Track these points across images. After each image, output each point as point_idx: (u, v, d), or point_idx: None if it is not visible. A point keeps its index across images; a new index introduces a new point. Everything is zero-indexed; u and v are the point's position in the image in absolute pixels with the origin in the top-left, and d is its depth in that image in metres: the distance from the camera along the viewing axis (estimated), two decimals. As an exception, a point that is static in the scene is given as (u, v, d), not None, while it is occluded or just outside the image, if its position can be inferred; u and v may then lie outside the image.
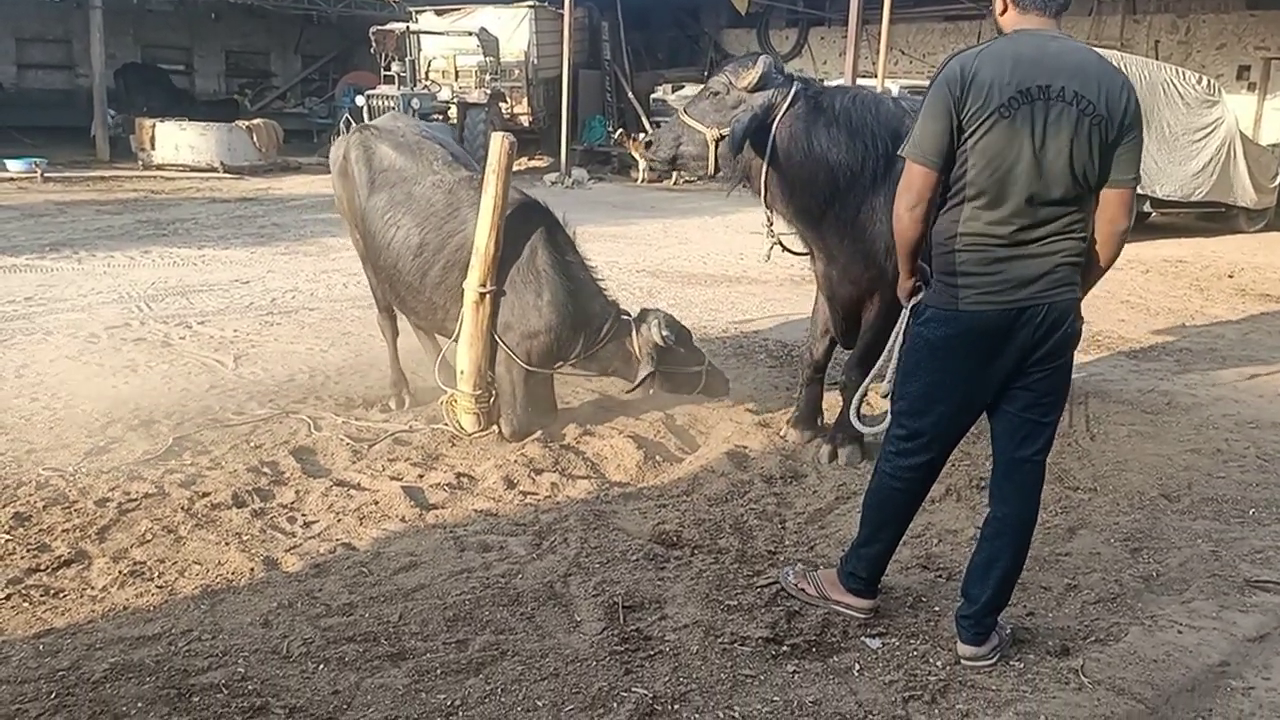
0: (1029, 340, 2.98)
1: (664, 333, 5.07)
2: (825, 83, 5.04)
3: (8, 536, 3.85)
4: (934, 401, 3.13)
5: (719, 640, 3.26)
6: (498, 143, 4.83)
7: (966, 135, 2.91)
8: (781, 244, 4.89)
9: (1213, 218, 14.78)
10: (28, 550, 3.76)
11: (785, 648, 3.24)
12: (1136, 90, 3.02)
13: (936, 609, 3.50)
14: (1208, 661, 3.24)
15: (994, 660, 3.18)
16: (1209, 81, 14.03)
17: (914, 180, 3.00)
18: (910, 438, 3.21)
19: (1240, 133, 14.40)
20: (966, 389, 3.09)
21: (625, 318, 5.21)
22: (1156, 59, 16.93)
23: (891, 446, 3.27)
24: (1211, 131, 13.64)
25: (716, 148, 4.62)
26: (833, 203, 4.52)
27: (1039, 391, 3.06)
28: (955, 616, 3.24)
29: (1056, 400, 3.12)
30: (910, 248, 3.10)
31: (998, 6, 3.07)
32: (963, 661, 3.18)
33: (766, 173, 4.54)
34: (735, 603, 3.51)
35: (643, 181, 19.27)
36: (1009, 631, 3.28)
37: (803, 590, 3.53)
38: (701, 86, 4.92)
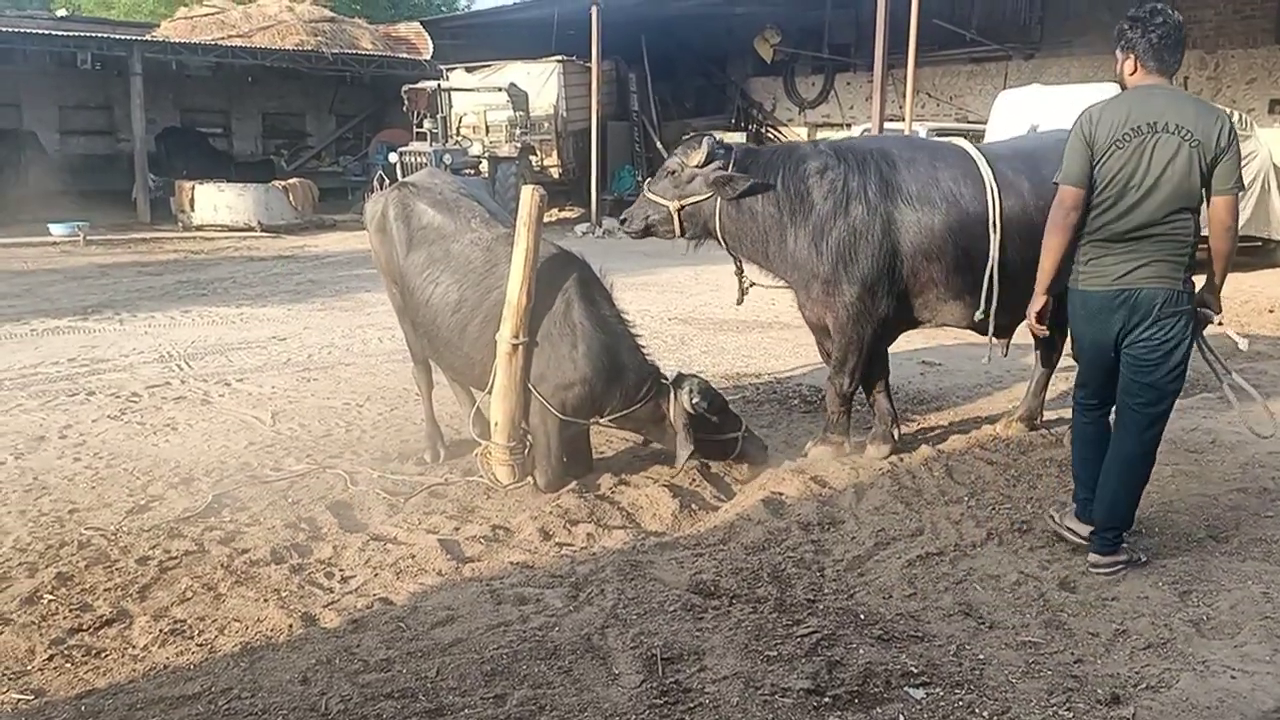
0: (1126, 315, 3.94)
1: (695, 400, 5.02)
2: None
3: (51, 597, 3.90)
4: (1081, 351, 4.24)
5: (759, 692, 3.21)
6: (528, 195, 4.89)
7: (1096, 162, 3.91)
8: (754, 283, 5.72)
9: (1250, 252, 14.58)
10: (70, 610, 3.80)
11: (827, 699, 3.18)
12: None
13: (980, 657, 3.43)
14: (1262, 708, 3.15)
15: (1113, 571, 4.03)
16: (1240, 116, 13.92)
17: (1064, 198, 4.00)
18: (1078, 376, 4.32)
19: (1275, 165, 14.26)
20: (1093, 345, 4.12)
21: (664, 381, 5.19)
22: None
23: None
24: (1245, 165, 13.51)
25: (679, 216, 5.41)
26: (769, 241, 5.35)
27: (1138, 355, 3.99)
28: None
29: (1155, 365, 3.97)
30: (1054, 256, 4.04)
31: (1128, 68, 4.01)
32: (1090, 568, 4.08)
33: (723, 228, 5.39)
34: (775, 653, 3.46)
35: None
36: (1143, 560, 4.12)
37: (1051, 517, 4.43)
38: (668, 162, 5.65)
